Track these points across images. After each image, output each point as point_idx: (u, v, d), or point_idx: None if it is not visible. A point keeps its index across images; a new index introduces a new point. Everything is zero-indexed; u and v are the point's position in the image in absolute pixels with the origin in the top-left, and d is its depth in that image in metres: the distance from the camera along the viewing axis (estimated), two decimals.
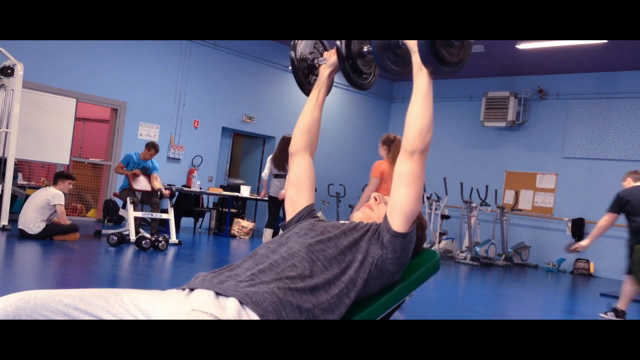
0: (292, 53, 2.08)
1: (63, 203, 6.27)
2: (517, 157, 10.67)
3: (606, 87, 9.75)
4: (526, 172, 10.50)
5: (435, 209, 9.67)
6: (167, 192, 7.11)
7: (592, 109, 9.85)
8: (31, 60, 7.32)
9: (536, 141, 10.45)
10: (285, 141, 6.70)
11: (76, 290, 1.39)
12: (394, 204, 1.64)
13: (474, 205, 9.39)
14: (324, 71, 2.03)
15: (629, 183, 5.63)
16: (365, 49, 1.95)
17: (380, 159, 5.21)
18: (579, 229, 9.73)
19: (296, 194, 1.92)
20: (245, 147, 11.51)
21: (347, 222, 1.79)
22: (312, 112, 2.01)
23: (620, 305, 5.16)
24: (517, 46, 8.70)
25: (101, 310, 1.37)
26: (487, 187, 9.57)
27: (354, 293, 1.59)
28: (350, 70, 1.95)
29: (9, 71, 6.61)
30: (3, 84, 6.73)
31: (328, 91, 2.06)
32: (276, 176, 6.61)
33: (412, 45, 1.67)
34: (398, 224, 1.63)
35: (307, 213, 1.88)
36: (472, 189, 9.63)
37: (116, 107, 8.89)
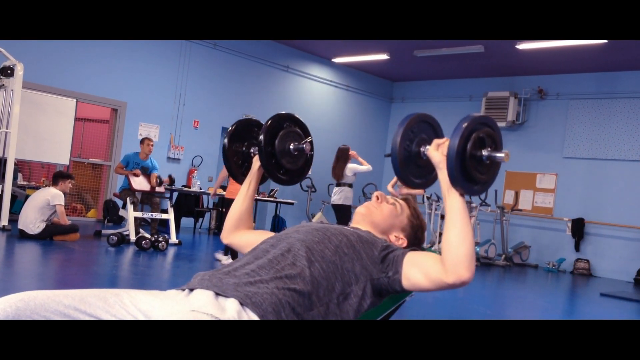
0: (225, 140, 2.00)
1: (63, 203, 6.27)
2: (517, 157, 10.66)
3: (606, 87, 9.75)
4: (526, 172, 10.50)
5: (435, 209, 9.66)
6: (166, 180, 7.16)
7: (592, 109, 9.85)
8: (31, 61, 7.32)
9: (536, 141, 10.45)
10: (340, 152, 7.53)
11: (76, 291, 1.39)
12: (409, 277, 1.57)
13: (474, 205, 9.39)
14: (255, 163, 1.97)
15: None
16: (291, 146, 1.88)
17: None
18: (579, 229, 9.73)
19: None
20: None
21: (351, 228, 1.76)
22: (242, 204, 1.99)
23: None
24: (517, 46, 8.70)
25: (101, 310, 1.37)
26: None
27: (346, 307, 1.54)
28: (274, 169, 1.89)
29: (9, 71, 6.61)
30: (3, 84, 6.73)
31: (262, 181, 2.02)
32: (337, 185, 7.42)
33: (438, 161, 1.55)
34: (406, 286, 1.59)
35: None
36: None
37: (116, 107, 8.89)
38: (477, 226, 9.65)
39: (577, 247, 9.76)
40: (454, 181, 1.51)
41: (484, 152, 1.55)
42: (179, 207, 8.78)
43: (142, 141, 7.45)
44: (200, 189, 9.11)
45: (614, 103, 9.64)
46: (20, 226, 6.13)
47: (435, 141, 1.59)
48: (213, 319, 1.30)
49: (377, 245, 1.65)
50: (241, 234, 1.98)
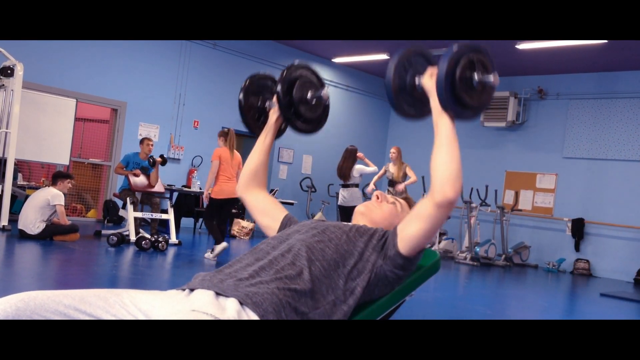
0: (241, 95, 2.00)
1: (63, 203, 6.27)
2: (517, 157, 10.67)
3: (606, 87, 9.75)
4: (526, 172, 10.50)
5: None
6: (159, 159, 7.14)
7: (592, 109, 9.85)
8: (31, 61, 7.32)
9: (536, 141, 10.45)
10: (348, 152, 7.56)
11: (76, 291, 1.39)
12: (405, 233, 1.60)
13: (474, 205, 9.39)
14: (272, 116, 1.98)
15: None
16: (309, 95, 1.89)
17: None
18: (579, 229, 9.73)
19: (268, 218, 1.93)
20: (245, 147, 11.50)
21: (350, 223, 1.78)
22: (258, 157, 1.99)
23: None
24: (517, 46, 8.70)
25: (101, 310, 1.37)
26: (487, 187, 9.57)
27: (353, 300, 1.56)
28: (294, 117, 1.90)
29: (9, 71, 6.61)
30: (3, 84, 6.73)
31: (279, 135, 2.03)
32: (343, 186, 7.40)
33: (430, 88, 1.58)
34: (405, 249, 1.60)
35: (287, 222, 1.88)
36: (472, 189, 9.63)
37: (116, 108, 8.89)
38: (477, 226, 9.65)
39: (577, 247, 9.76)
40: (444, 103, 1.53)
41: (475, 76, 1.55)
42: (179, 207, 8.78)
43: (141, 141, 7.46)
44: (200, 189, 9.10)
45: (614, 103, 9.64)
46: (20, 226, 6.13)
47: (429, 69, 1.61)
48: (213, 318, 1.30)
49: (376, 234, 1.68)
50: (257, 192, 1.98)
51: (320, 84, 1.97)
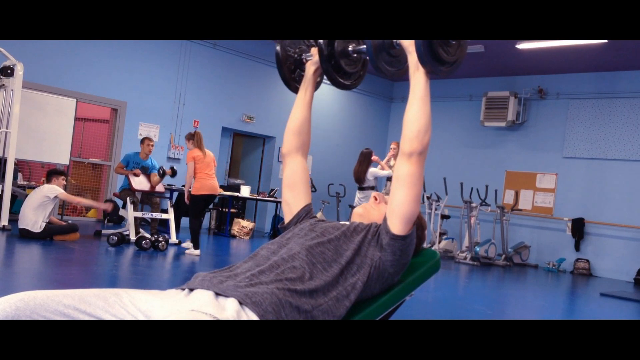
0: (278, 47, 1.96)
1: (63, 192, 6.30)
2: (517, 157, 10.67)
3: (606, 87, 9.75)
4: (526, 172, 10.50)
5: (435, 209, 9.67)
6: (168, 171, 7.17)
7: (592, 109, 9.85)
8: (31, 61, 7.32)
9: (536, 141, 10.45)
10: (363, 155, 7.66)
11: (76, 291, 1.39)
12: (393, 207, 1.62)
13: (474, 205, 9.39)
14: (309, 68, 1.96)
15: None
16: (350, 47, 1.87)
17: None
18: (579, 228, 9.73)
19: (292, 195, 1.91)
20: (245, 147, 11.51)
21: (347, 222, 1.79)
22: (301, 112, 1.95)
23: None
24: (517, 46, 8.70)
25: (101, 310, 1.37)
26: (487, 187, 9.57)
27: (354, 295, 1.58)
28: (333, 70, 1.87)
29: (9, 71, 6.61)
30: (3, 84, 6.73)
31: (316, 88, 2.00)
32: (359, 189, 7.45)
33: (408, 45, 1.64)
34: (397, 227, 1.62)
35: (306, 213, 1.88)
36: (472, 188, 9.63)
37: (116, 107, 8.89)
38: (477, 226, 9.65)
39: (577, 247, 9.76)
40: (422, 58, 1.59)
41: None
42: (179, 207, 8.77)
43: (142, 141, 7.46)
44: None
45: (614, 103, 9.64)
46: (20, 226, 6.13)
47: None
48: (212, 318, 1.30)
49: (371, 229, 1.70)
50: (297, 159, 1.93)
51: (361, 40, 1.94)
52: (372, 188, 7.56)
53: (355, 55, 1.91)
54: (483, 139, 11.01)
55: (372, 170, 7.57)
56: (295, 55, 2.00)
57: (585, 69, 9.82)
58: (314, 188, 10.31)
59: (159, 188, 7.41)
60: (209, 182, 6.27)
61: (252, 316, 1.37)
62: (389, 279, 1.68)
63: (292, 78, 2.01)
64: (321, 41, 1.82)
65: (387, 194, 7.84)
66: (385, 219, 1.65)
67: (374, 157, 7.64)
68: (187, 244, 6.37)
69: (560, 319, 4.84)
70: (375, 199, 1.91)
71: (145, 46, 8.95)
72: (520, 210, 10.22)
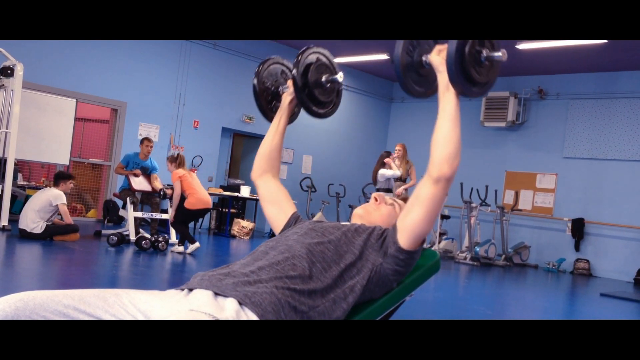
0: (255, 80, 2.05)
1: (65, 202, 6.28)
2: (517, 157, 10.67)
3: (606, 87, 9.75)
4: (526, 172, 10.50)
5: None
6: (169, 192, 7.13)
7: (592, 109, 9.85)
8: (31, 61, 7.32)
9: (536, 141, 10.45)
10: (379, 157, 7.80)
11: (75, 291, 1.39)
12: (407, 223, 1.59)
13: (474, 205, 9.39)
14: (285, 99, 2.02)
15: None
16: (323, 78, 1.93)
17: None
18: (579, 229, 9.73)
19: (276, 209, 1.94)
20: (245, 147, 11.51)
21: (348, 223, 1.78)
22: (272, 139, 2.01)
23: None
24: (517, 46, 8.69)
25: (100, 310, 1.37)
26: (487, 187, 9.57)
27: (352, 298, 1.56)
28: (308, 99, 1.92)
29: (9, 71, 6.61)
30: (3, 85, 6.73)
31: (293, 119, 2.07)
32: (378, 190, 7.47)
33: (438, 64, 1.58)
34: (406, 242, 1.60)
35: (295, 220, 1.89)
36: (472, 189, 9.63)
37: (116, 108, 8.89)
38: (477, 226, 9.65)
39: (577, 247, 9.76)
40: (453, 79, 1.54)
41: (483, 52, 1.57)
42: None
43: (141, 142, 7.46)
44: None
45: (614, 103, 9.64)
46: (20, 226, 6.13)
47: (437, 47, 1.62)
48: (211, 318, 1.30)
49: (374, 233, 1.67)
50: (269, 179, 1.99)
51: (335, 68, 2.00)
52: (388, 190, 7.58)
53: (328, 85, 1.94)
54: (483, 139, 11.01)
55: (381, 172, 7.68)
56: (272, 88, 2.07)
57: (585, 69, 9.82)
58: (314, 188, 10.32)
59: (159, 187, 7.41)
60: (203, 197, 6.33)
61: (252, 316, 1.37)
62: (389, 284, 1.67)
63: (269, 109, 2.08)
64: (294, 71, 1.87)
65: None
66: (395, 228, 1.62)
67: (386, 160, 7.73)
68: (189, 247, 6.31)
69: (560, 319, 4.84)
70: (376, 199, 1.91)
71: (145, 46, 8.95)
72: (520, 210, 10.22)
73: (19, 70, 6.65)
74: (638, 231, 9.20)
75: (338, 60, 9.48)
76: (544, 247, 10.11)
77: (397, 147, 8.24)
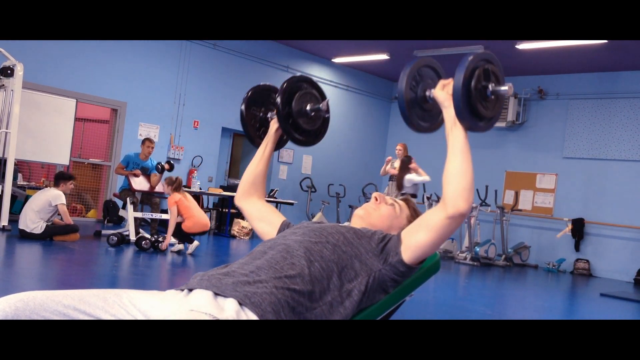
0: (243, 106, 2.05)
1: (65, 203, 6.28)
2: (517, 157, 10.67)
3: (606, 87, 9.75)
4: (526, 172, 10.50)
5: None
6: (166, 165, 7.14)
7: (592, 109, 9.85)
8: (31, 61, 7.32)
9: (536, 141, 10.45)
10: (402, 163, 7.83)
11: (75, 291, 1.39)
12: (412, 243, 1.58)
13: (473, 205, 9.38)
14: (273, 126, 2.02)
15: None
16: (308, 107, 1.92)
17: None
18: (579, 229, 9.73)
19: (266, 223, 1.94)
20: (245, 147, 11.51)
21: (347, 225, 1.77)
22: (257, 166, 2.02)
23: None
24: (517, 46, 8.70)
25: (100, 310, 1.37)
26: (487, 187, 9.57)
27: (350, 304, 1.54)
28: (292, 129, 1.92)
29: (9, 72, 6.61)
30: (3, 85, 6.73)
31: (281, 145, 2.06)
32: (401, 195, 7.35)
33: (444, 99, 1.57)
34: (409, 258, 1.59)
35: (285, 227, 1.89)
36: None
37: (116, 108, 8.89)
38: (477, 226, 9.65)
39: (577, 247, 9.76)
40: (460, 115, 1.53)
41: (489, 87, 1.56)
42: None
43: (142, 142, 7.46)
44: (200, 189, 9.11)
45: (614, 103, 9.64)
46: (20, 226, 6.13)
47: (441, 82, 1.61)
48: (212, 318, 1.30)
49: (375, 237, 1.65)
50: (254, 201, 2.00)
51: (321, 96, 1.99)
52: (413, 195, 7.61)
53: (313, 114, 1.94)
54: (483, 139, 10.99)
55: (409, 177, 7.77)
56: (260, 114, 2.07)
57: (585, 69, 9.82)
58: (313, 188, 10.32)
59: (159, 188, 7.40)
60: (201, 220, 6.30)
61: (252, 317, 1.37)
62: (385, 289, 1.66)
63: (257, 135, 2.08)
64: (278, 100, 1.87)
65: (388, 194, 7.86)
66: (400, 240, 1.61)
67: (411, 165, 7.78)
68: (189, 247, 6.33)
69: (560, 319, 4.83)
70: (376, 199, 1.90)
71: (145, 46, 8.95)
72: (520, 210, 10.22)
73: (19, 71, 6.65)
74: (638, 231, 9.20)
75: (338, 60, 9.53)
76: (544, 247, 10.11)
77: (398, 147, 8.25)
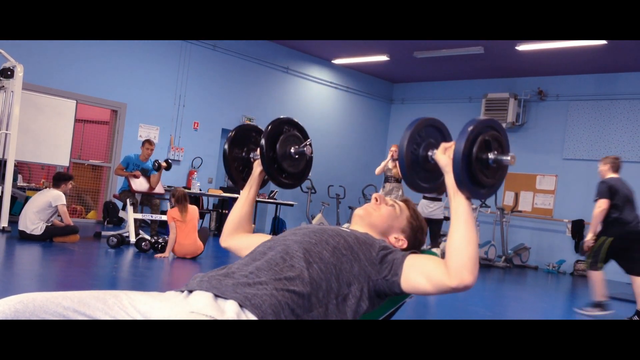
0: (226, 146, 2.02)
1: (65, 203, 6.28)
2: (517, 159, 10.63)
3: (606, 89, 9.76)
4: (526, 174, 10.50)
5: None
6: (164, 164, 7.14)
7: (592, 110, 9.85)
8: (31, 62, 7.32)
9: (536, 142, 10.45)
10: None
11: (75, 293, 1.39)
12: (410, 280, 1.56)
13: (473, 206, 9.38)
14: (256, 168, 1.99)
15: (609, 172, 5.82)
16: (292, 150, 1.91)
17: None
18: (579, 230, 9.71)
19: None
20: None
21: (348, 229, 1.76)
22: (241, 209, 2.01)
23: None
24: (517, 47, 8.70)
25: (100, 312, 1.37)
26: None
27: (346, 307, 1.53)
28: (276, 172, 1.91)
29: (9, 73, 6.61)
30: (3, 86, 6.73)
31: (262, 186, 2.05)
32: (425, 197, 7.38)
33: (445, 164, 1.54)
34: (405, 289, 1.58)
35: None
36: None
37: (116, 109, 8.89)
38: (477, 227, 9.63)
39: (577, 249, 9.74)
40: (460, 184, 1.51)
41: (490, 155, 1.53)
42: None
43: (142, 144, 7.46)
44: (200, 190, 9.11)
45: (614, 104, 9.64)
46: (20, 227, 6.12)
47: (443, 145, 1.58)
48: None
49: (375, 246, 1.63)
50: (240, 237, 1.99)
51: (304, 137, 1.97)
52: (436, 199, 7.51)
53: (297, 156, 1.93)
54: None
55: None
56: (243, 154, 2.04)
57: (585, 71, 9.82)
58: (313, 189, 10.32)
59: (159, 189, 7.40)
60: (188, 249, 6.15)
61: (252, 318, 1.36)
62: (383, 298, 1.65)
63: (240, 177, 2.05)
64: (263, 142, 1.85)
65: (387, 194, 7.84)
66: (402, 266, 1.58)
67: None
68: None
69: (560, 319, 4.82)
70: (376, 199, 1.90)
71: (145, 47, 8.95)
72: (520, 211, 10.21)
73: (19, 72, 6.65)
74: None
75: (338, 61, 9.54)
76: (544, 249, 10.11)
77: (393, 148, 8.18)
